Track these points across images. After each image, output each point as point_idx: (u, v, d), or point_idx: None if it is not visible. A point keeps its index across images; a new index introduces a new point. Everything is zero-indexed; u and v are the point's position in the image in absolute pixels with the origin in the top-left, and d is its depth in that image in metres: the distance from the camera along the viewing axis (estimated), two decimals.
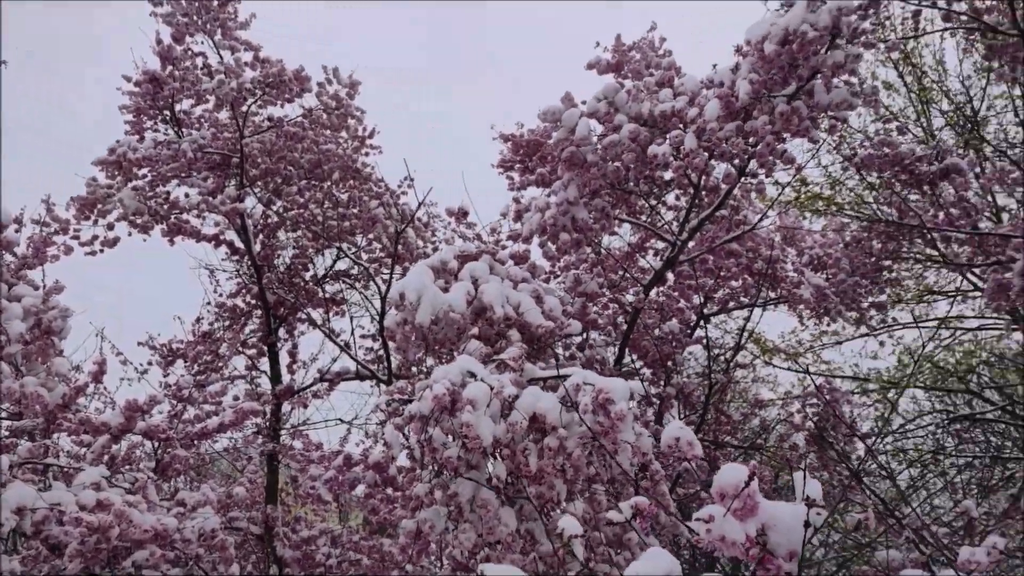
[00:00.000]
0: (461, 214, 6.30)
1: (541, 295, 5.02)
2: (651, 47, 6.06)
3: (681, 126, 4.97)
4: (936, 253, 8.47)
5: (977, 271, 8.83)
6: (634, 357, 6.92)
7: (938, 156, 6.70)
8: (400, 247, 7.17)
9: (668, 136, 4.86)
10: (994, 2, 6.65)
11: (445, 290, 4.88)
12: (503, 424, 4.01)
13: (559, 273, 6.96)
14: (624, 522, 2.42)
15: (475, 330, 4.65)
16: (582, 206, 5.29)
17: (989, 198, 9.38)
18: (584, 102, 5.54)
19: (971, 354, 11.47)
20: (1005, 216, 9.70)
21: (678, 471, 6.11)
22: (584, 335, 5.94)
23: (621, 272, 6.77)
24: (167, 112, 7.50)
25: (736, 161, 5.00)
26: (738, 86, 4.67)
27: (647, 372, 7.22)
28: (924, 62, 10.64)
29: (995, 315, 10.65)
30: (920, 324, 10.93)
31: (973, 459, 9.03)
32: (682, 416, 6.84)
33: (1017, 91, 9.79)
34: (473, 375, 4.13)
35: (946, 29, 6.90)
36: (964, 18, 6.27)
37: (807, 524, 1.79)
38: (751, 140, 4.78)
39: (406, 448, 4.44)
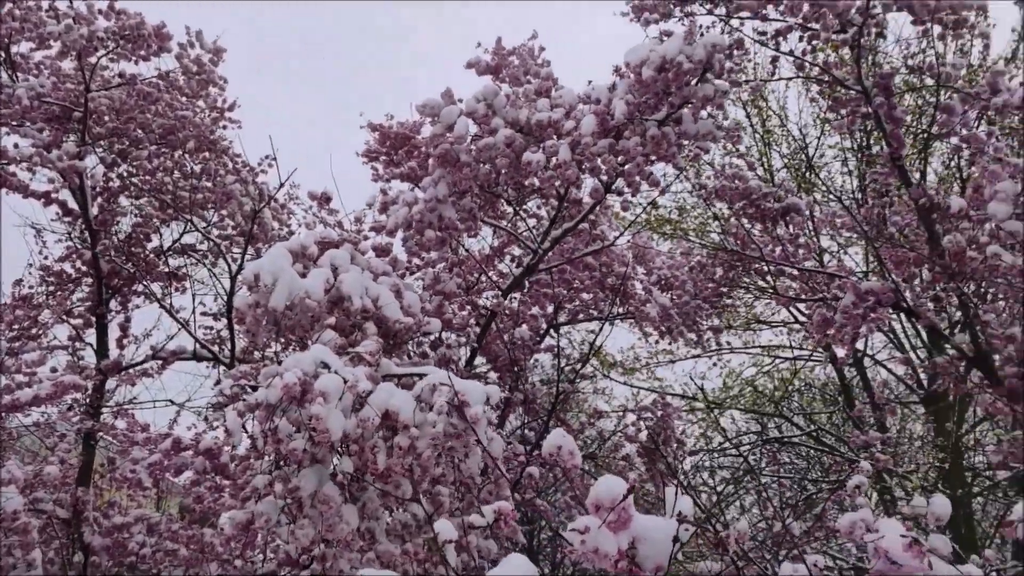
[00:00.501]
0: (324, 199, 6.11)
1: (401, 290, 4.95)
2: (531, 55, 6.13)
3: (556, 137, 5.05)
4: (767, 285, 9.06)
5: (802, 306, 9.51)
6: (484, 360, 6.96)
7: (778, 196, 7.17)
8: (255, 227, 6.87)
9: (543, 145, 4.93)
10: (837, 59, 7.19)
11: (303, 275, 4.71)
12: (354, 419, 3.92)
13: (415, 270, 6.89)
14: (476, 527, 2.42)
15: (331, 320, 4.52)
16: (450, 205, 5.27)
17: (815, 239, 10.13)
18: (461, 100, 5.52)
19: (786, 381, 12.36)
20: (827, 257, 10.51)
21: (516, 477, 6.19)
22: (438, 334, 5.92)
23: (479, 274, 6.79)
24: (2, 53, 6.85)
25: (605, 177, 5.13)
26: (614, 105, 4.80)
27: (494, 376, 7.28)
28: (770, 107, 11.38)
29: (811, 348, 11.52)
30: (746, 350, 11.67)
31: (782, 478, 9.70)
32: (525, 422, 6.95)
33: (848, 143, 10.64)
34: (327, 366, 4.01)
35: (799, 77, 7.40)
36: (816, 70, 6.72)
37: (676, 539, 1.84)
38: (620, 159, 4.92)
39: (248, 437, 4.25)
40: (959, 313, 8.19)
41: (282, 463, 4.15)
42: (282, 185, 6.70)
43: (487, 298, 7.02)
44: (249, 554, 6.03)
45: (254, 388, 4.62)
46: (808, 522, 7.74)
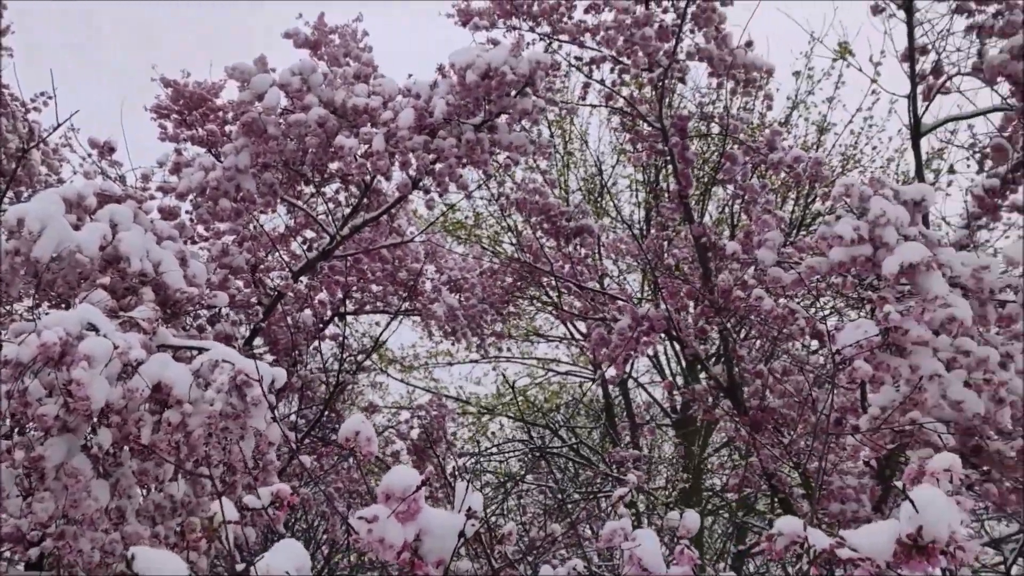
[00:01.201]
0: (107, 149, 5.61)
1: (187, 258, 4.66)
2: (353, 37, 6.01)
3: (371, 125, 4.97)
4: (551, 300, 9.43)
5: (580, 323, 9.98)
6: (263, 341, 6.69)
7: (573, 215, 7.50)
8: (19, 168, 6.17)
9: (358, 131, 4.83)
10: (641, 96, 7.65)
11: (76, 228, 4.31)
12: (121, 388, 3.62)
13: (198, 240, 6.51)
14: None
15: (105, 279, 4.16)
16: (251, 176, 5.02)
17: (600, 261, 10.68)
18: (274, 70, 5.30)
19: (556, 394, 12.92)
20: (608, 280, 11.12)
21: (284, 464, 6.01)
22: (220, 309, 5.62)
23: (268, 252, 6.53)
24: None
25: (414, 173, 5.12)
26: (434, 103, 4.80)
27: (270, 358, 7.02)
28: (574, 129, 11.88)
29: (584, 365, 12.13)
30: (523, 360, 12.07)
31: (543, 487, 10.08)
32: (300, 409, 6.75)
33: (641, 176, 11.33)
34: (95, 329, 3.68)
35: (607, 106, 7.78)
36: (622, 102, 7.10)
37: (462, 534, 1.86)
38: (433, 157, 4.94)
39: None
40: (717, 346, 8.95)
41: (26, 429, 3.76)
42: (58, 126, 6.07)
43: (274, 278, 6.76)
44: None
45: None
46: (563, 529, 8.10)
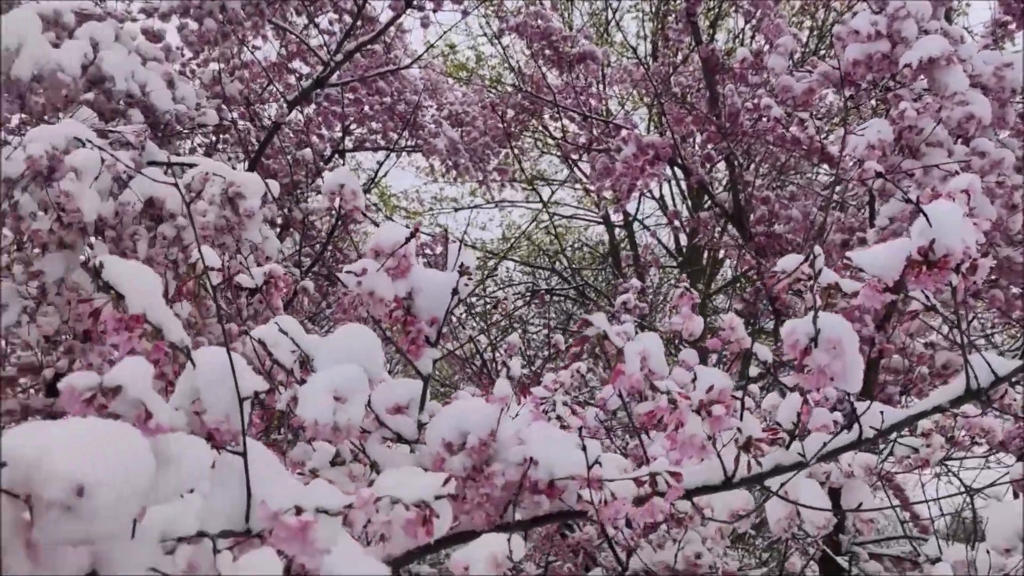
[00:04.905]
0: None
1: (174, 80, 4.50)
2: None
3: None
4: (555, 140, 9.23)
5: (585, 167, 9.81)
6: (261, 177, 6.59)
7: (577, 40, 7.22)
8: None
9: None
10: None
11: (56, 46, 4.14)
12: (113, 203, 3.58)
13: (188, 70, 6.28)
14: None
15: (90, 96, 4.04)
16: None
17: (605, 92, 10.37)
18: None
19: (561, 237, 12.90)
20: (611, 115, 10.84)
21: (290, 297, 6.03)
22: (215, 139, 5.50)
23: (266, 83, 6.33)
24: None
25: None
26: None
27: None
28: None
29: (587, 208, 12.05)
30: (528, 204, 11.98)
31: (548, 323, 10.21)
32: (301, 247, 6.71)
33: (647, 7, 10.85)
34: (83, 143, 3.59)
35: None
36: None
37: (455, 292, 1.83)
38: None
39: None
40: (723, 175, 8.79)
41: (23, 245, 3.74)
42: None
43: (269, 113, 6.59)
44: None
45: None
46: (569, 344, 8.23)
